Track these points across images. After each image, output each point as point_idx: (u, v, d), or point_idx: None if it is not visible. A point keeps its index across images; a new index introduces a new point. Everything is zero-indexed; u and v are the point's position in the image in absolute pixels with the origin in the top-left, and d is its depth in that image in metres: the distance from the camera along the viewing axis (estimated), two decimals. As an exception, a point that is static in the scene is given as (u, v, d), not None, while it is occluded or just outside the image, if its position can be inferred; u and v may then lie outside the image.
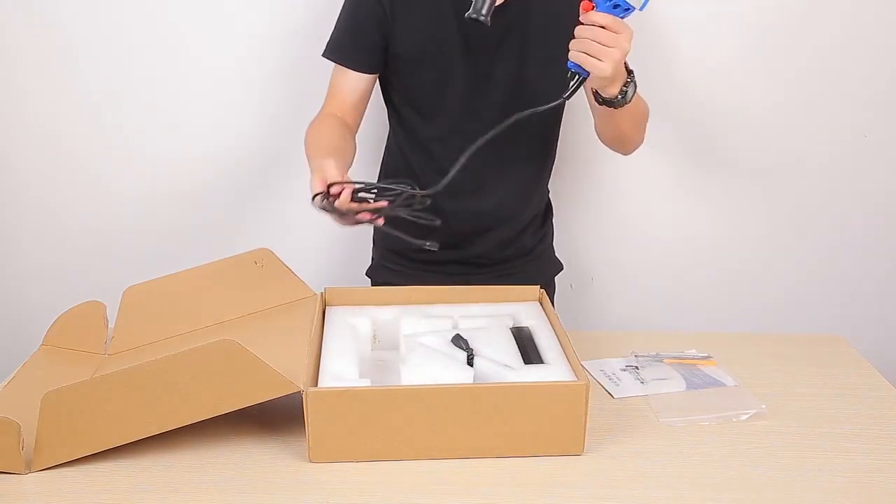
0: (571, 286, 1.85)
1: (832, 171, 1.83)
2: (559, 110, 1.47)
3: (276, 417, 1.13)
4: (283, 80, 1.74)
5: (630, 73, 1.23)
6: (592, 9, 1.13)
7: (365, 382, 1.09)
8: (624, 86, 1.21)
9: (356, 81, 1.41)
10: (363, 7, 1.37)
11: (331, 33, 1.42)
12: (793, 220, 1.88)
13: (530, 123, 1.39)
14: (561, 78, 1.26)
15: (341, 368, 1.13)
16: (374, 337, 1.30)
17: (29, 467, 1.02)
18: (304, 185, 1.81)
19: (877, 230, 1.89)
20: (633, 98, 1.24)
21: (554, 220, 1.66)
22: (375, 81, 1.44)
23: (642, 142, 1.45)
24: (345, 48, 1.40)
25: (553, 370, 1.14)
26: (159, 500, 0.98)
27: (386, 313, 1.31)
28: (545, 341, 1.22)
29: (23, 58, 1.71)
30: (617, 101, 1.22)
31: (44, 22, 1.68)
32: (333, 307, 1.32)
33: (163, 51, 1.71)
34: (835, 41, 1.73)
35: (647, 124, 1.43)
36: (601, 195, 1.82)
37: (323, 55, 1.42)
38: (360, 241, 1.71)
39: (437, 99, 1.40)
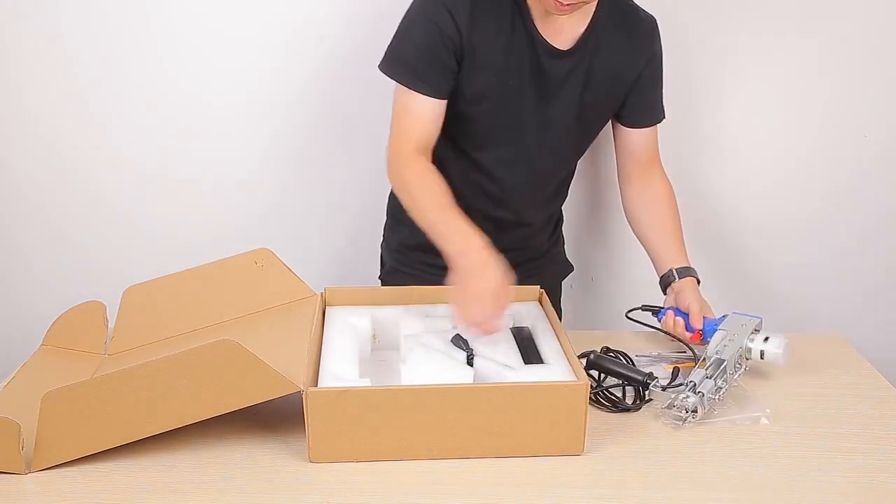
0: (571, 286, 1.85)
1: (832, 171, 1.83)
2: (591, 138, 1.50)
3: (276, 417, 1.13)
4: (285, 80, 1.74)
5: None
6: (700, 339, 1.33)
7: (365, 382, 1.09)
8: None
9: (433, 108, 1.31)
10: (439, 27, 1.27)
11: (392, 47, 1.32)
12: (793, 220, 1.88)
13: (579, 140, 1.47)
14: (601, 121, 1.45)
15: (341, 368, 1.13)
16: (375, 337, 1.30)
17: (29, 467, 1.02)
18: (305, 185, 1.82)
19: (877, 230, 1.88)
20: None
21: (561, 223, 1.67)
22: (445, 106, 1.34)
23: None
24: (420, 72, 1.29)
25: (553, 370, 1.14)
26: (159, 500, 0.98)
27: (386, 313, 1.31)
28: (545, 341, 1.22)
29: (22, 59, 1.70)
30: None
31: (43, 23, 1.68)
32: (333, 307, 1.32)
33: (162, 52, 1.71)
34: (835, 41, 1.72)
35: None
36: (602, 195, 1.82)
37: (387, 72, 1.32)
38: (360, 242, 1.72)
39: (493, 128, 1.38)
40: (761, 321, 1.29)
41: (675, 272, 1.40)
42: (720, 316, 1.32)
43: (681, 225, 1.49)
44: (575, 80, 1.36)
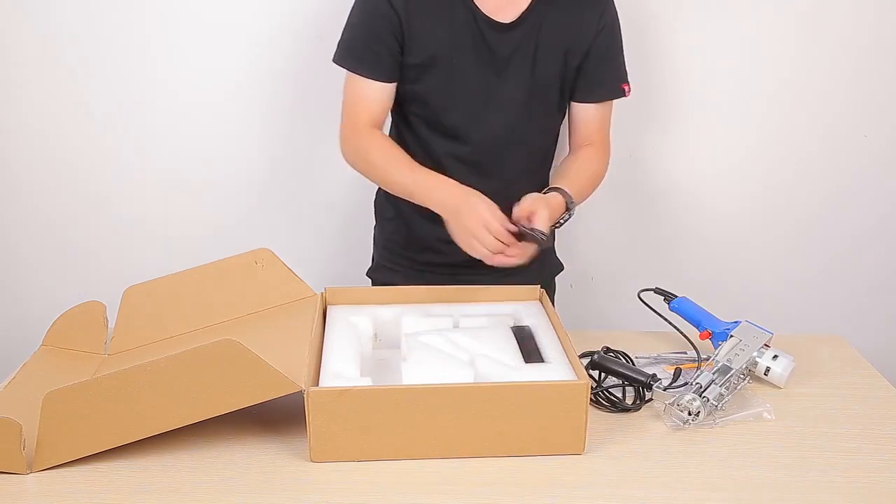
0: (571, 286, 1.85)
1: (832, 171, 1.83)
2: (552, 116, 1.48)
3: (277, 417, 1.13)
4: (284, 81, 1.74)
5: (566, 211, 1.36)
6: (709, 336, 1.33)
7: (366, 381, 1.09)
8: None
9: (380, 91, 1.37)
10: (378, 13, 1.32)
11: (340, 39, 1.38)
12: (793, 220, 1.88)
13: (539, 117, 1.43)
14: (559, 96, 1.40)
15: (342, 367, 1.13)
16: (376, 336, 1.30)
17: (30, 467, 1.02)
18: (305, 185, 1.82)
19: (876, 230, 1.89)
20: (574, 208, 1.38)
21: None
22: (394, 90, 1.39)
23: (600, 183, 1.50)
24: (364, 58, 1.35)
25: (554, 369, 1.14)
26: (159, 500, 0.98)
27: (387, 312, 1.31)
28: (546, 340, 1.22)
29: (21, 59, 1.71)
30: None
31: (42, 23, 1.68)
32: (334, 306, 1.32)
33: (161, 52, 1.71)
34: (835, 41, 1.73)
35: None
36: (601, 195, 1.82)
37: (337, 62, 1.38)
38: (360, 241, 1.71)
39: (446, 108, 1.39)
40: (772, 336, 1.29)
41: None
42: (733, 321, 1.32)
43: (586, 179, 1.43)
44: (523, 55, 1.36)
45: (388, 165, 1.36)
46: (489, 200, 1.26)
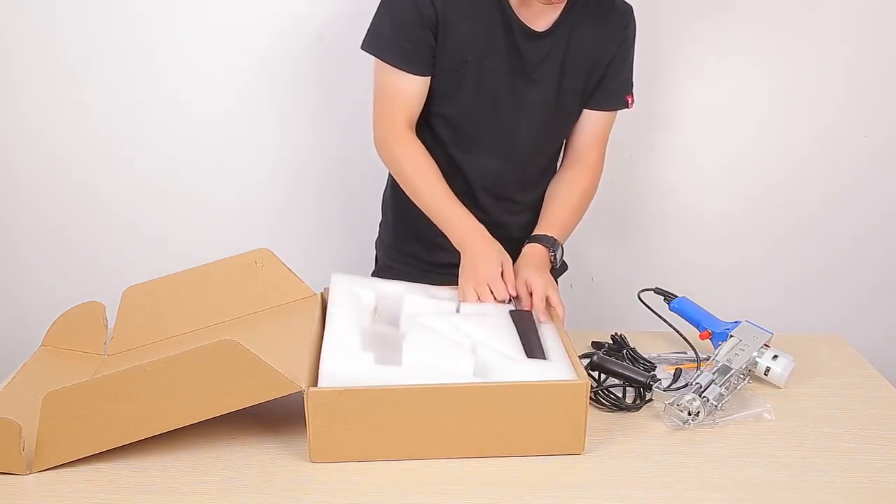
0: (571, 286, 1.85)
1: (832, 171, 1.83)
2: (570, 123, 1.48)
3: (277, 417, 1.13)
4: (285, 81, 1.74)
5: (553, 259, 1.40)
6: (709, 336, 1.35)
7: (367, 356, 1.09)
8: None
9: (417, 85, 1.34)
10: (416, 6, 1.29)
11: (372, 27, 1.34)
12: (793, 220, 1.88)
13: (560, 126, 1.45)
14: (580, 105, 1.42)
15: (344, 339, 1.12)
16: (375, 310, 1.29)
17: (30, 468, 1.02)
18: (305, 185, 1.82)
19: (876, 230, 1.89)
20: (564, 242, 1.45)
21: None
22: (428, 84, 1.36)
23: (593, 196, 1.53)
24: (402, 50, 1.31)
25: (554, 367, 1.13)
26: (159, 500, 0.98)
27: (390, 287, 1.31)
28: (546, 339, 1.21)
29: (21, 59, 1.71)
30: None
31: (42, 23, 1.68)
32: (338, 275, 1.32)
33: (161, 52, 1.71)
34: (835, 41, 1.73)
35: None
36: (601, 195, 1.82)
37: (370, 51, 1.33)
38: (360, 241, 1.71)
39: (471, 112, 1.39)
40: (772, 336, 1.29)
41: (530, 238, 1.41)
42: (733, 321, 1.32)
43: (575, 210, 1.46)
44: (552, 63, 1.36)
45: (419, 179, 1.37)
46: (506, 255, 1.33)
